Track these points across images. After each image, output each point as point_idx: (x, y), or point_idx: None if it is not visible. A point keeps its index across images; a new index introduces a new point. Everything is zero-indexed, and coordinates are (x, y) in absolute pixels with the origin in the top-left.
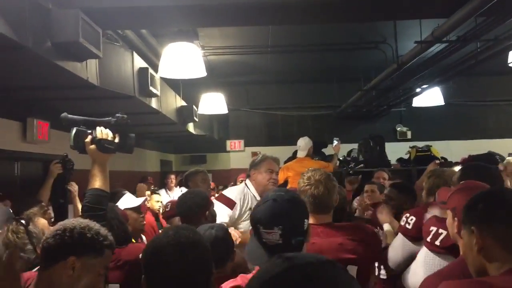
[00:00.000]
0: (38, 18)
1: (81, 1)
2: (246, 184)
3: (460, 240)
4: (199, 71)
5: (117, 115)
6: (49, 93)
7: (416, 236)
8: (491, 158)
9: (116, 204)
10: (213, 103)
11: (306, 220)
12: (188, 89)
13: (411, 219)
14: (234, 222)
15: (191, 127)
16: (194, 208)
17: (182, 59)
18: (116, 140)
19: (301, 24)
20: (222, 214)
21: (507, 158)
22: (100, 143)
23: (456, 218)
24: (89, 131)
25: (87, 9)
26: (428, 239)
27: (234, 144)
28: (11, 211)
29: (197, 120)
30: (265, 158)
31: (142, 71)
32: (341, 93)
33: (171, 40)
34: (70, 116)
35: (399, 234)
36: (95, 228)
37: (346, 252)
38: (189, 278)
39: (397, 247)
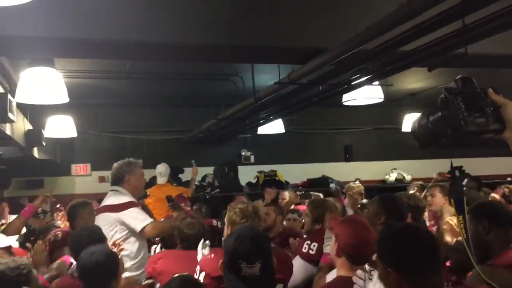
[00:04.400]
0: None
1: None
2: (116, 190)
3: (338, 260)
4: (61, 97)
5: None
6: None
7: (318, 259)
8: (325, 181)
9: None
10: (61, 126)
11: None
12: (35, 111)
13: (314, 245)
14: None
15: (35, 152)
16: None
17: (42, 84)
18: None
19: (156, 61)
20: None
21: (350, 183)
22: None
23: (336, 243)
24: None
25: None
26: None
27: (80, 168)
28: None
29: (44, 144)
30: (137, 164)
31: (1, 97)
32: (192, 119)
33: (28, 65)
34: None
35: (300, 259)
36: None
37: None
38: None
39: (297, 272)
